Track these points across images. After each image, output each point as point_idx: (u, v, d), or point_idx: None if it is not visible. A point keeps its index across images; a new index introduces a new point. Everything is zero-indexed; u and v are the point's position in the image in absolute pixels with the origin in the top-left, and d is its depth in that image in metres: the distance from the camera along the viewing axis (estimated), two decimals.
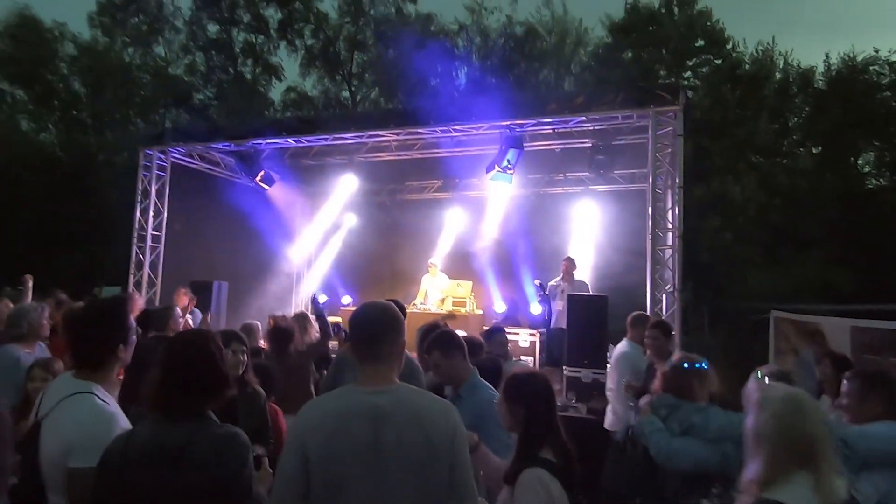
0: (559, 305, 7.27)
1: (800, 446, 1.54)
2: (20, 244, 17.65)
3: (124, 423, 1.83)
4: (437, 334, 2.82)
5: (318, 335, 4.37)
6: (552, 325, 7.38)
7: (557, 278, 7.46)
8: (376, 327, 1.68)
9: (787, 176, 14.07)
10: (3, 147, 19.59)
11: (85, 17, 22.47)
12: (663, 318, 5.70)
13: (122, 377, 2.17)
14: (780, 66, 16.90)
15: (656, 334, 4.05)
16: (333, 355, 4.32)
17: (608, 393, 4.86)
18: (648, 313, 6.01)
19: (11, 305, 4.95)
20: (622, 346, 4.68)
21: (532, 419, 1.96)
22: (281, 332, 3.86)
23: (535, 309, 8.68)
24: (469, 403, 2.50)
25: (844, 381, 2.57)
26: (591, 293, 7.72)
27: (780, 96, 16.08)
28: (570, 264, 7.42)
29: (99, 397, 1.83)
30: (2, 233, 17.64)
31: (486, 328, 8.35)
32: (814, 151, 16.59)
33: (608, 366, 6.62)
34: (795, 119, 17.00)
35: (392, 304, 1.81)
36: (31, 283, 5.39)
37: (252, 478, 1.65)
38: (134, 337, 2.04)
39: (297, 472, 1.49)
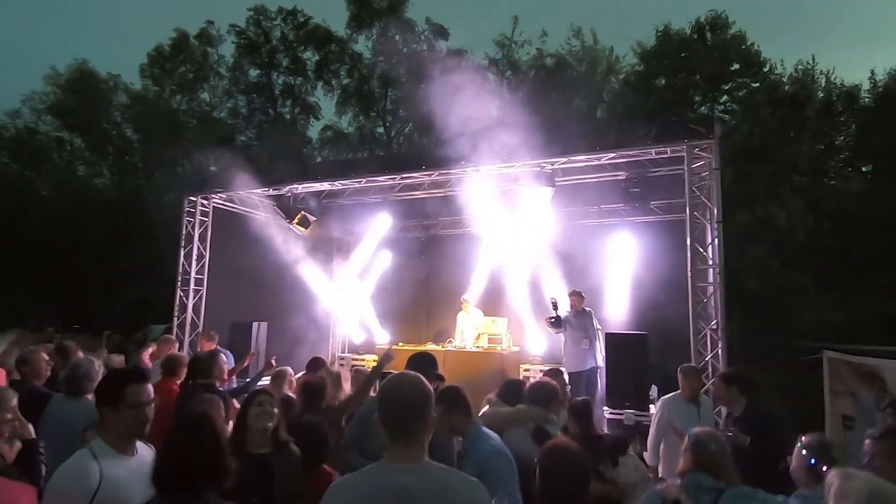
0: (568, 337, 7.11)
1: None
2: (79, 283, 18.59)
3: (98, 477, 1.91)
4: (442, 391, 2.94)
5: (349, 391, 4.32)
6: (564, 358, 7.18)
7: (566, 312, 7.26)
8: (406, 406, 1.66)
9: (837, 198, 13.50)
10: (62, 191, 20.88)
11: (137, 69, 24.01)
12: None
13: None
14: (822, 85, 16.43)
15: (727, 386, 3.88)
16: None
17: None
18: (692, 350, 5.81)
19: (80, 353, 5.13)
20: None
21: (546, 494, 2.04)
22: (312, 387, 3.79)
23: (536, 344, 8.65)
24: (472, 455, 2.62)
25: (869, 442, 2.45)
26: (627, 331, 7.53)
27: (824, 116, 15.56)
28: (577, 298, 7.23)
29: (93, 452, 2.00)
30: (62, 273, 18.63)
31: (526, 370, 8.24)
32: (863, 170, 15.92)
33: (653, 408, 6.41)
34: (842, 138, 16.39)
35: (421, 378, 1.78)
36: None
37: None
38: (126, 403, 2.10)
39: None
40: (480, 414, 4.82)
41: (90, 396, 3.37)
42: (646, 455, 4.66)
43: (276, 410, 2.76)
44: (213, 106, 24.83)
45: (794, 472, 2.55)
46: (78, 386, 3.31)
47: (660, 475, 4.38)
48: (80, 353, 5.11)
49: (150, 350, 5.95)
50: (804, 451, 2.53)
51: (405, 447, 1.64)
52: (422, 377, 1.79)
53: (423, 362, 3.43)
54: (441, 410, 2.72)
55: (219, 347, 6.38)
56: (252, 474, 2.46)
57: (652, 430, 4.56)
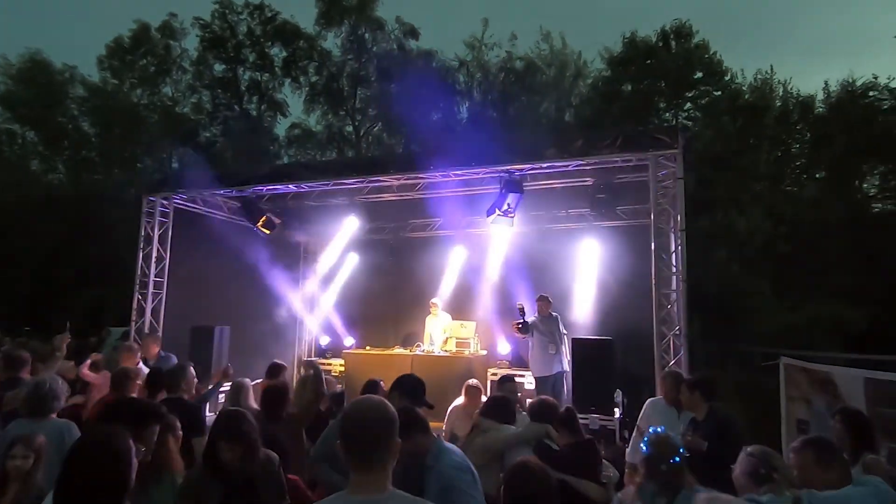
0: (535, 342, 7.17)
1: None
2: (31, 283, 17.78)
3: None
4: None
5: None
6: (531, 363, 7.28)
7: (533, 317, 7.34)
8: (368, 433, 1.60)
9: (793, 204, 14.02)
10: (14, 187, 19.92)
11: (94, 61, 23.07)
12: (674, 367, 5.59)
13: None
14: (780, 95, 17.04)
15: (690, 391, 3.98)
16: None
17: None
18: (655, 355, 5.91)
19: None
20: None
21: None
22: (273, 394, 3.64)
23: (504, 348, 8.72)
24: (435, 472, 2.52)
25: (793, 454, 2.58)
26: (593, 336, 7.62)
27: (781, 125, 16.14)
28: (544, 303, 7.31)
29: None
30: (13, 272, 17.79)
31: (494, 374, 8.26)
32: (817, 177, 16.59)
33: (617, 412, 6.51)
34: (797, 147, 17.04)
35: (384, 402, 1.73)
36: None
37: None
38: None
39: None
40: (447, 424, 4.80)
41: (55, 416, 3.21)
42: (627, 452, 4.75)
43: (237, 448, 2.63)
44: (175, 101, 24.04)
45: (737, 479, 2.63)
46: (42, 406, 3.13)
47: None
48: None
49: (89, 361, 5.63)
50: (747, 458, 2.62)
51: (367, 476, 1.58)
52: (385, 401, 1.74)
53: (412, 389, 3.30)
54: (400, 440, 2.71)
55: (163, 352, 6.21)
56: (237, 491, 2.41)
57: (635, 431, 4.66)
